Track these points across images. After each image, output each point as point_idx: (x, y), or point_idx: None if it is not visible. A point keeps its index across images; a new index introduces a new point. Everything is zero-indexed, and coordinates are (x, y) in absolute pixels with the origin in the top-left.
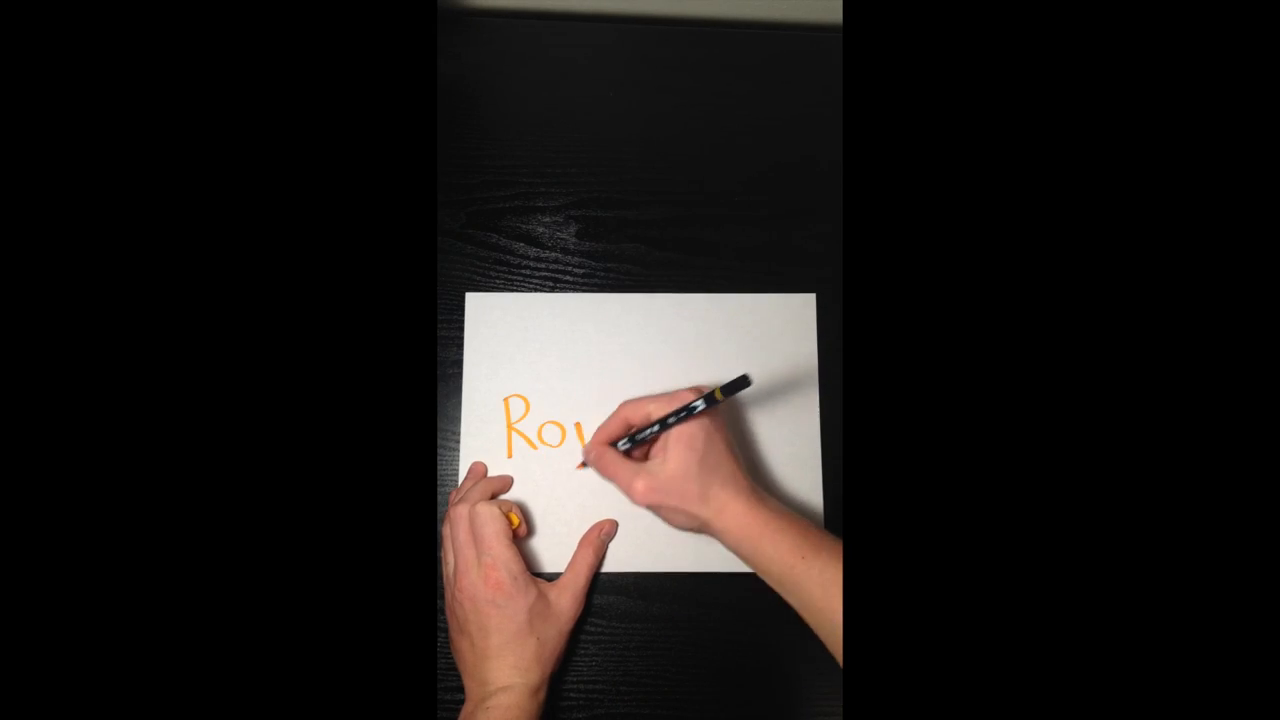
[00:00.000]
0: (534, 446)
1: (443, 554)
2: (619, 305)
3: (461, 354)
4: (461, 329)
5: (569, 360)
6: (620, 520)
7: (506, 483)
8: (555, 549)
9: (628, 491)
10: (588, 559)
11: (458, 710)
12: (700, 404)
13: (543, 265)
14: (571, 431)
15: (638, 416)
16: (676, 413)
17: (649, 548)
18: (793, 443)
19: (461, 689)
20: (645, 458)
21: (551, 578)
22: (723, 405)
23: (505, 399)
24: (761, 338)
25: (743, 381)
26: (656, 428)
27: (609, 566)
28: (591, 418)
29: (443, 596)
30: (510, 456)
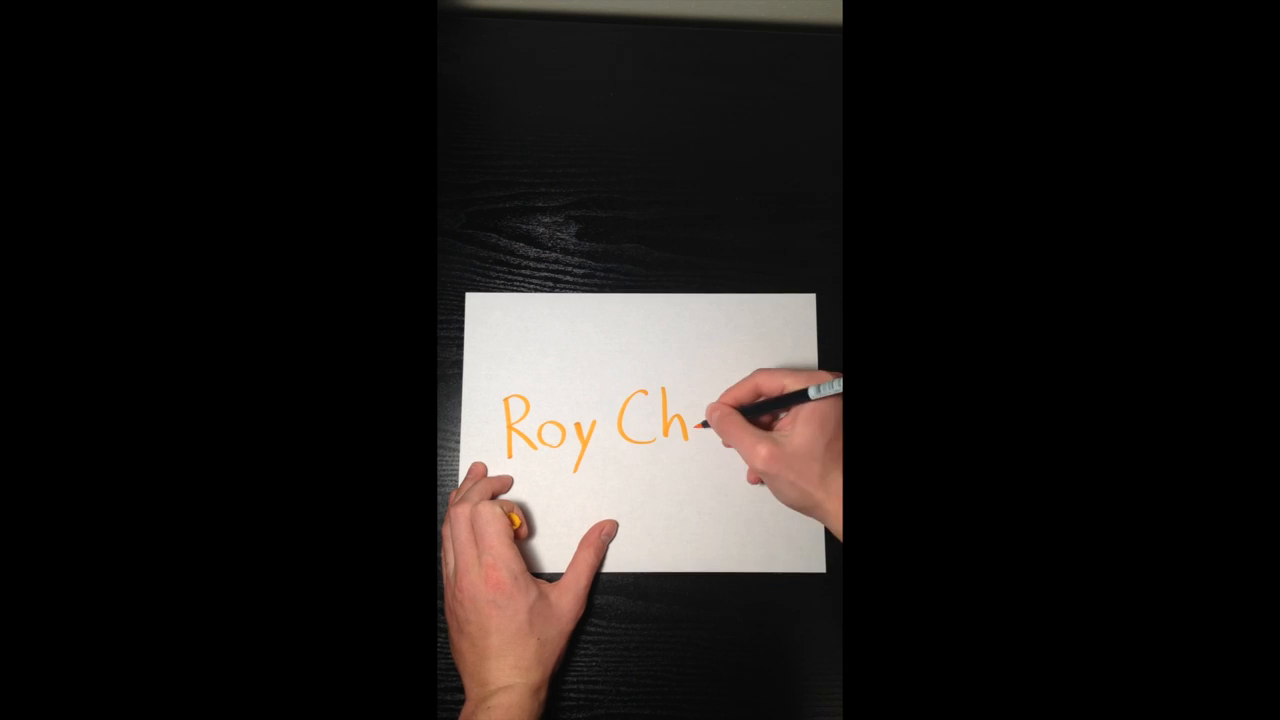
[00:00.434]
0: (534, 447)
1: (443, 554)
2: (619, 305)
3: (461, 354)
4: (462, 329)
5: (569, 360)
6: (621, 520)
7: (507, 483)
8: (555, 549)
9: (748, 456)
10: (588, 559)
11: (458, 710)
12: (839, 385)
13: (543, 265)
14: (571, 432)
15: (772, 386)
16: (803, 392)
17: (649, 548)
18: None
19: (461, 689)
20: (769, 428)
21: (552, 578)
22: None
23: (505, 399)
24: (762, 337)
25: None
26: (788, 400)
27: (609, 567)
28: (591, 418)
29: (442, 597)
30: (510, 457)
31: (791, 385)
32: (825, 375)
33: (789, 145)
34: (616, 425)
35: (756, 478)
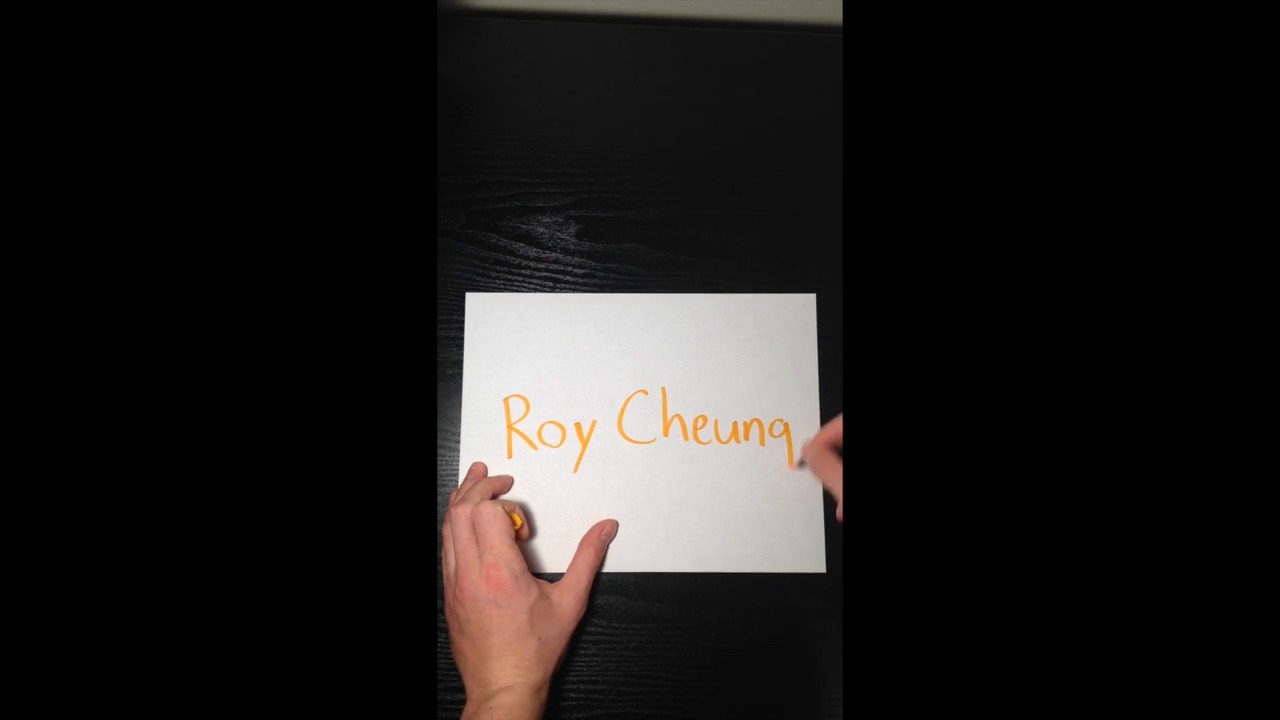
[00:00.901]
0: (534, 447)
1: (443, 554)
2: (619, 305)
3: (461, 354)
4: (462, 329)
5: (569, 360)
6: (621, 520)
7: (507, 483)
8: (555, 549)
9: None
10: (588, 559)
11: (458, 711)
12: None
13: (543, 265)
14: (571, 431)
15: None
16: None
17: (649, 548)
18: (794, 443)
19: (462, 689)
20: None
21: (552, 578)
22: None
23: (505, 399)
24: (761, 338)
25: None
26: None
27: (609, 566)
28: (591, 418)
29: (443, 597)
30: (510, 457)
31: None
32: None
33: (789, 145)
34: (617, 425)
35: None
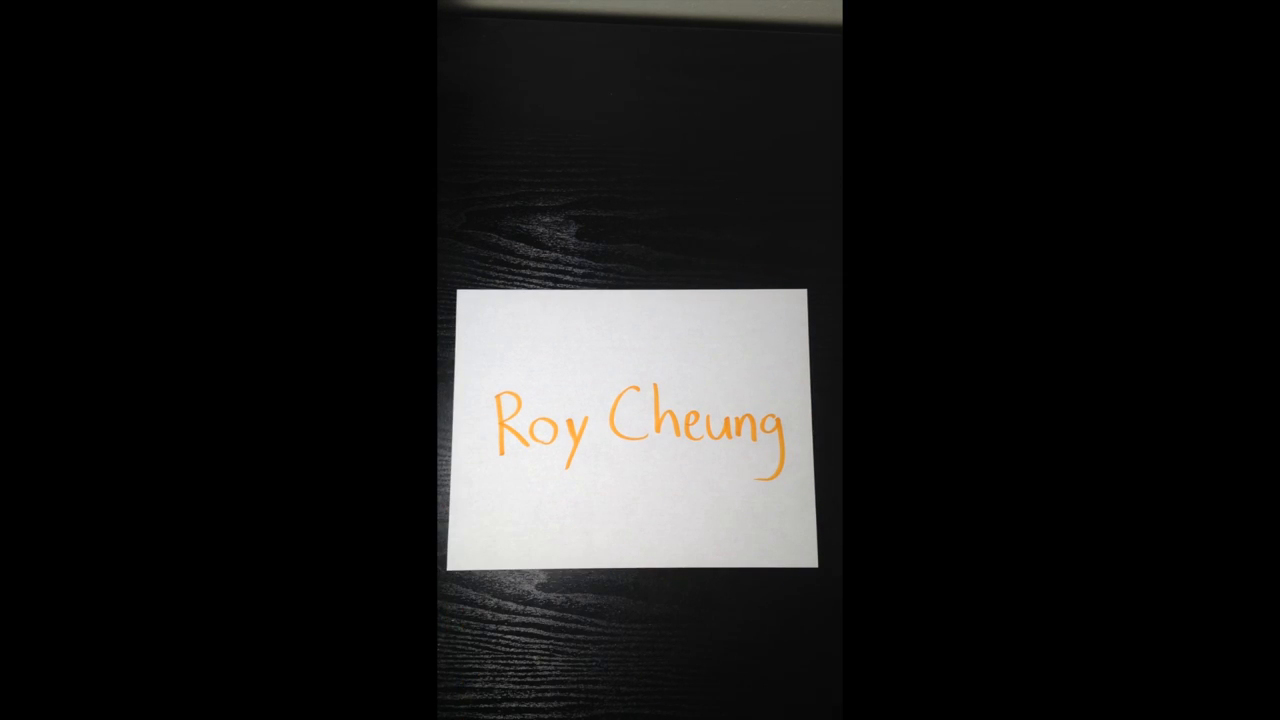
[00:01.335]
0: (526, 444)
1: None
2: (610, 301)
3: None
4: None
5: (560, 357)
6: (613, 517)
7: None
8: (546, 546)
9: None
10: None
11: (459, 711)
12: None
13: (543, 265)
14: (563, 428)
15: None
16: None
17: (641, 544)
18: (785, 440)
19: (462, 689)
20: None
21: (547, 574)
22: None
23: (497, 396)
24: (753, 333)
25: None
26: None
27: (603, 563)
28: (583, 414)
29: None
30: (502, 454)
31: None
32: None
33: (789, 145)
34: (609, 422)
35: None
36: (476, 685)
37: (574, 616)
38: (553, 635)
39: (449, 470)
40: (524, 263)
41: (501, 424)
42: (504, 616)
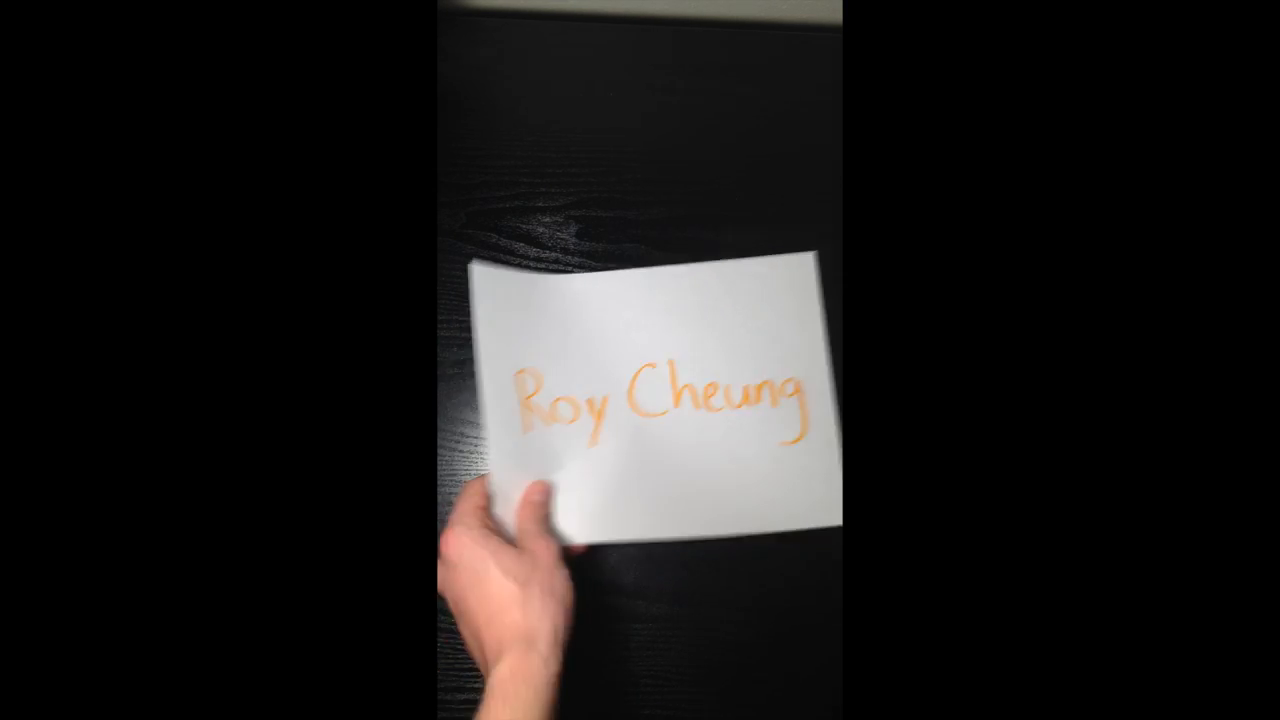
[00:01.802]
0: (548, 423)
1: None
2: (618, 283)
3: (463, 354)
4: (461, 329)
5: (573, 338)
6: (642, 492)
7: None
8: (581, 521)
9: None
10: (529, 515)
11: (459, 711)
12: None
13: (543, 265)
14: (584, 407)
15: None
16: None
17: (670, 515)
18: (807, 403)
19: (462, 689)
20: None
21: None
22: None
23: (516, 374)
24: (764, 300)
25: None
26: None
27: (636, 535)
28: (604, 393)
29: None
30: (527, 430)
31: None
32: None
33: (789, 145)
34: (628, 400)
35: None
36: (476, 685)
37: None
38: None
39: (478, 455)
40: (524, 263)
41: (523, 403)
42: None
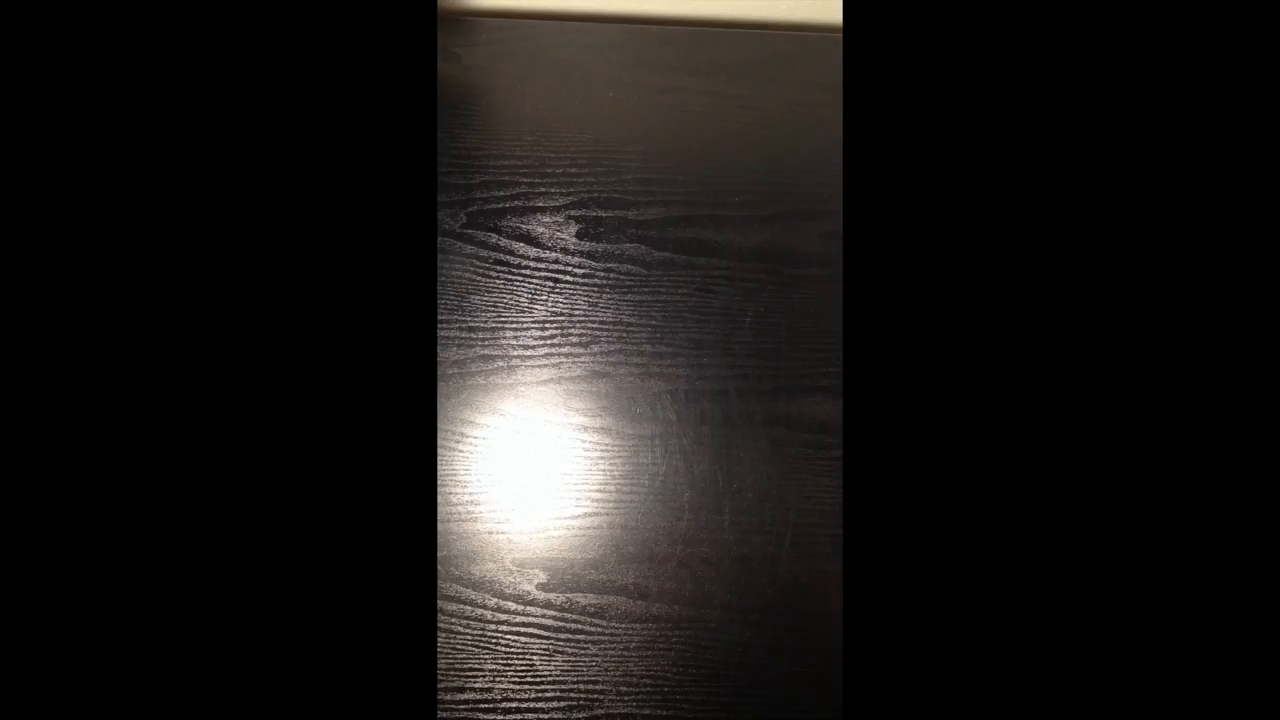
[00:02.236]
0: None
1: None
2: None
3: (463, 354)
4: (460, 329)
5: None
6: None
7: None
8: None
9: None
10: None
11: (459, 711)
12: None
13: (543, 265)
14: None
15: None
16: None
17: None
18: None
19: (462, 689)
20: None
21: (547, 574)
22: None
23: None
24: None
25: None
26: None
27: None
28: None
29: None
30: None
31: None
32: None
33: (789, 145)
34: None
35: None
36: (476, 685)
37: (574, 616)
38: (553, 635)
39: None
40: (524, 263)
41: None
42: (504, 616)
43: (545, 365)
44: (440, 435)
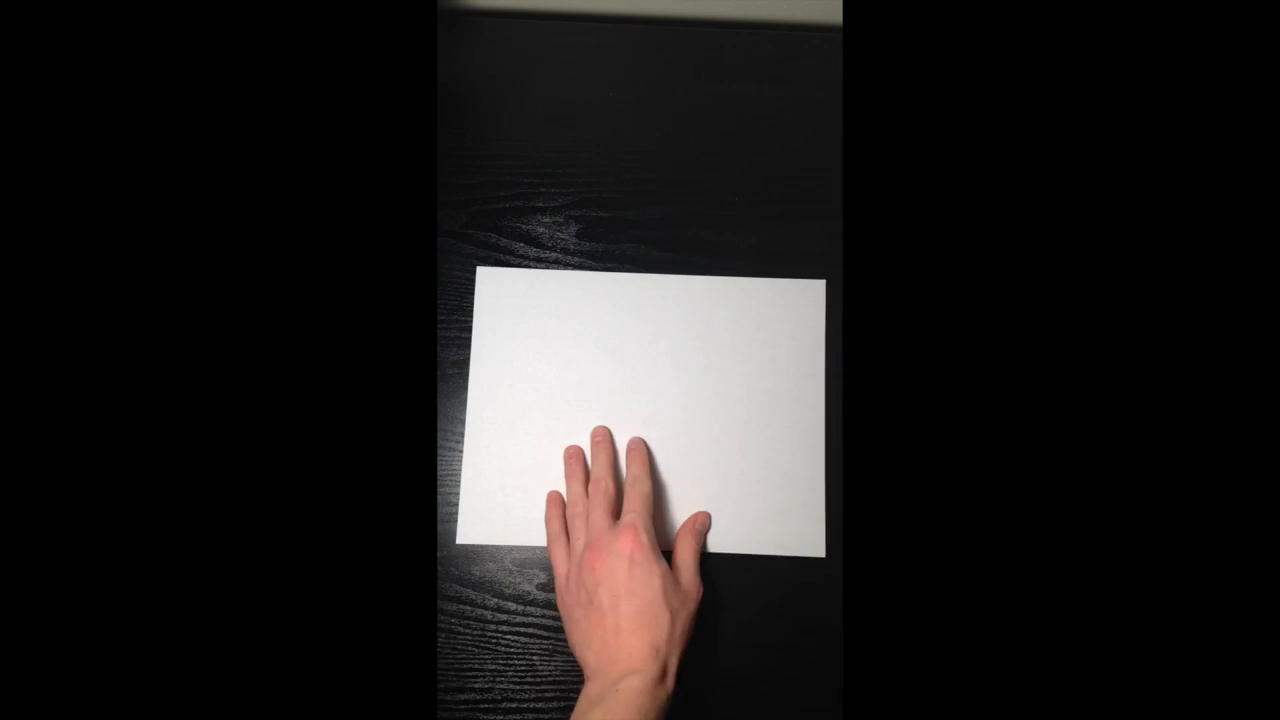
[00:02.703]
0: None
1: (557, 537)
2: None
3: (463, 354)
4: (462, 329)
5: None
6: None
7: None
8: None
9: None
10: (691, 545)
11: (459, 711)
12: None
13: (543, 265)
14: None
15: None
16: None
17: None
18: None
19: (462, 689)
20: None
21: (547, 574)
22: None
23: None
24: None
25: None
26: None
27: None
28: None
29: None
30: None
31: None
32: None
33: (789, 145)
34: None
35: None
36: (476, 685)
37: None
38: (553, 635)
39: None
40: (524, 263)
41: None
42: (504, 616)
43: None
44: (440, 435)
